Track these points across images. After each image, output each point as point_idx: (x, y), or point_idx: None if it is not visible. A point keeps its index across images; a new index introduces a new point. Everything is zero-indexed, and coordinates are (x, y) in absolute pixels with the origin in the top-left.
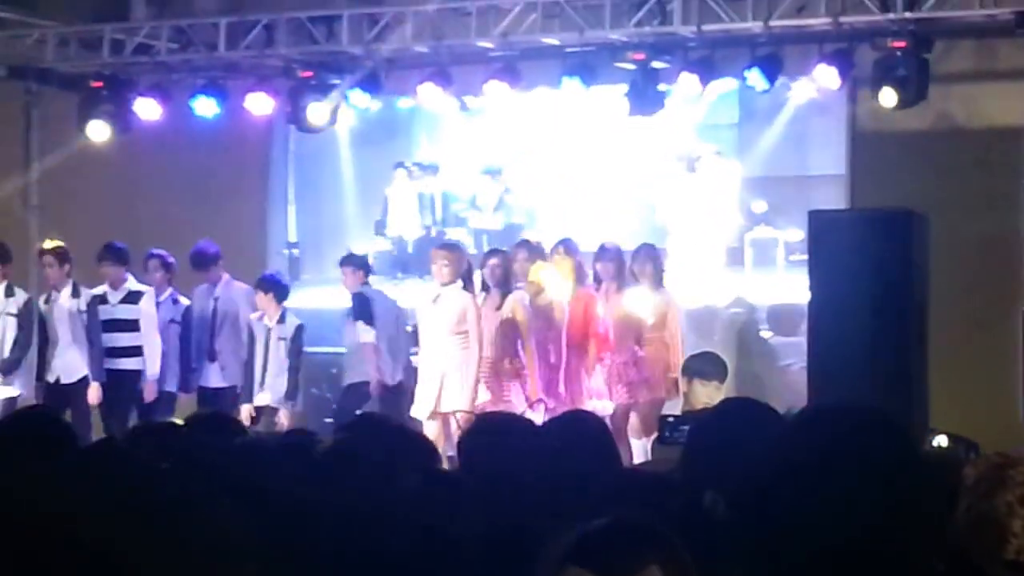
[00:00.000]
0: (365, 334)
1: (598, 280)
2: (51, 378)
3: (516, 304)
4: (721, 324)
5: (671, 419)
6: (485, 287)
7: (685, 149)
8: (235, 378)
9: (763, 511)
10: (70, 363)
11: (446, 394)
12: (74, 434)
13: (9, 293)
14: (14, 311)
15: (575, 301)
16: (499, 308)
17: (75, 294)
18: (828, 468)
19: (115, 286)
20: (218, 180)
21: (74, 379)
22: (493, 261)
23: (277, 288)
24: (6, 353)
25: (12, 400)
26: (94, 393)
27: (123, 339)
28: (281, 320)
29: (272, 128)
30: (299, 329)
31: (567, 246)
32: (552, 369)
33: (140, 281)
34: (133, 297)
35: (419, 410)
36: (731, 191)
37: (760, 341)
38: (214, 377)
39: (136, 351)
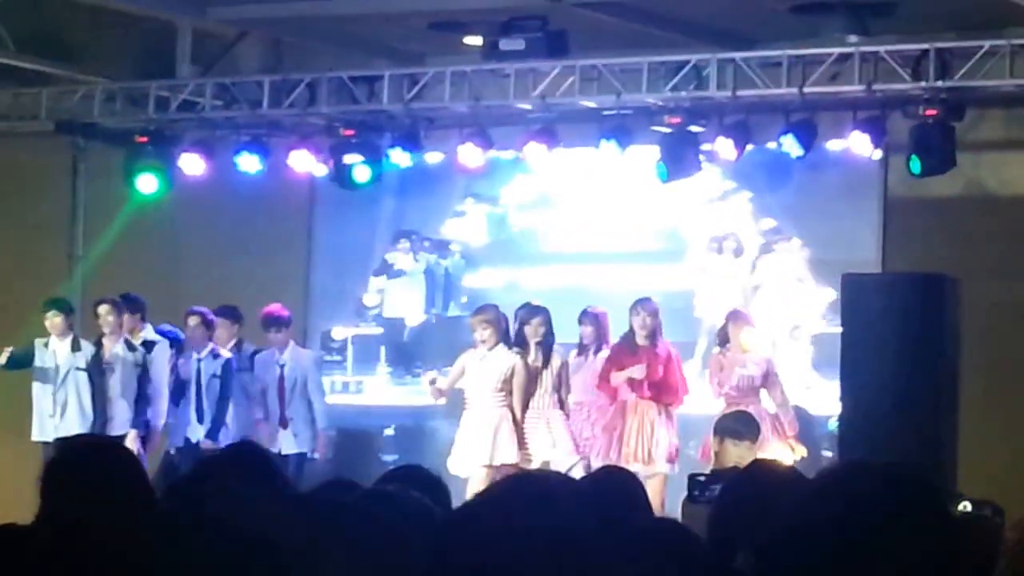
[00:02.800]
0: None
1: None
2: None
3: (561, 359)
4: None
5: (701, 478)
6: (523, 342)
7: (729, 228)
8: (306, 444)
9: (788, 568)
10: (119, 416)
11: (489, 449)
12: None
13: (76, 348)
14: (83, 365)
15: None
16: (546, 364)
17: (130, 348)
18: (856, 526)
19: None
20: (260, 235)
21: (121, 432)
22: (535, 320)
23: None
24: (87, 410)
25: None
26: (131, 440)
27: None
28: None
29: (314, 185)
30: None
31: (645, 306)
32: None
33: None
34: (148, 347)
35: (460, 467)
36: (790, 280)
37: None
38: (287, 444)
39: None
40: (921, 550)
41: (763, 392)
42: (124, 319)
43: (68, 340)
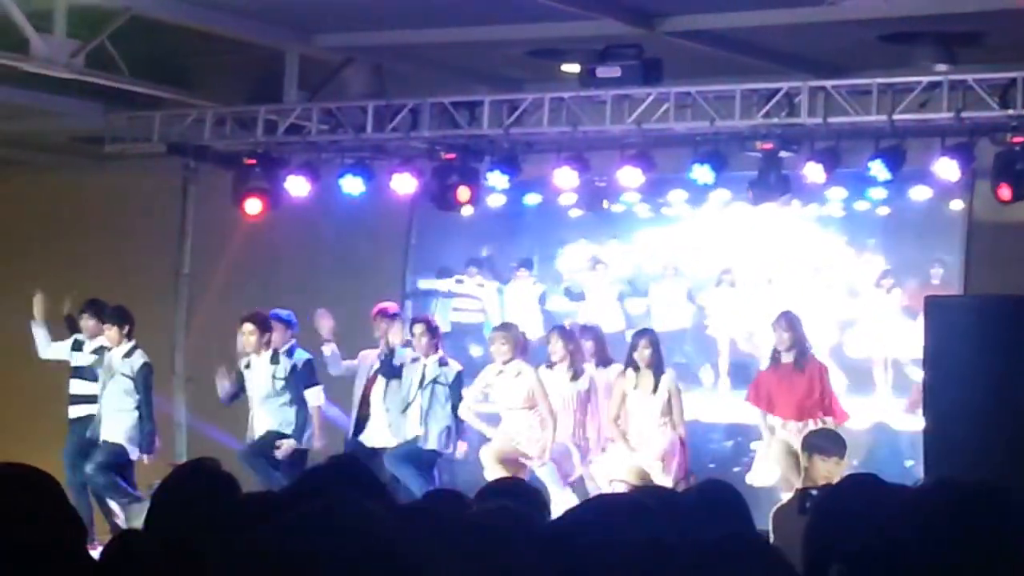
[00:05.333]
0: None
1: None
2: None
3: (671, 384)
4: (857, 453)
5: (814, 492)
6: (635, 366)
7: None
8: None
9: None
10: (265, 425)
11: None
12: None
13: (128, 355)
14: (128, 372)
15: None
16: (655, 391)
17: (274, 360)
18: (939, 541)
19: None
20: (360, 255)
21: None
22: (643, 342)
23: None
24: (112, 411)
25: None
26: (285, 449)
27: None
28: None
29: (414, 207)
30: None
31: (780, 321)
32: None
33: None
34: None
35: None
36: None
37: (903, 473)
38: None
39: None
40: (1005, 563)
41: None
42: (267, 336)
43: (124, 347)
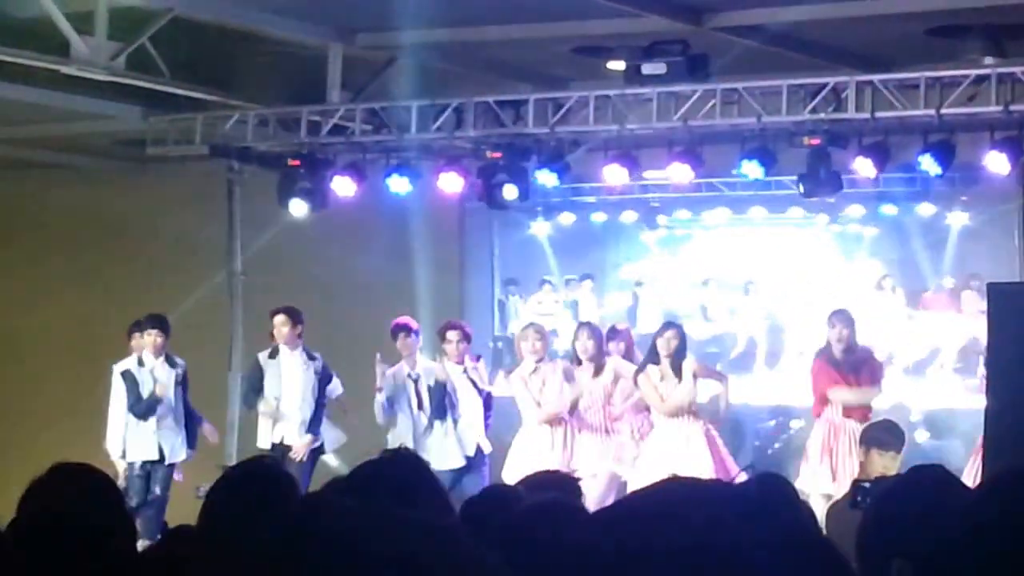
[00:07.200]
0: None
1: None
2: (276, 439)
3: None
4: None
5: (867, 484)
6: (656, 359)
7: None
8: None
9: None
10: (294, 426)
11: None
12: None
13: (172, 365)
14: (179, 381)
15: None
16: (680, 379)
17: (311, 357)
18: (1017, 531)
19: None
20: (415, 254)
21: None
22: (668, 333)
23: None
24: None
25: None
26: (307, 445)
27: None
28: None
29: (463, 206)
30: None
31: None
32: None
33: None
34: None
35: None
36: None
37: (913, 446)
38: None
39: None
40: None
41: None
42: (299, 329)
43: (162, 359)
